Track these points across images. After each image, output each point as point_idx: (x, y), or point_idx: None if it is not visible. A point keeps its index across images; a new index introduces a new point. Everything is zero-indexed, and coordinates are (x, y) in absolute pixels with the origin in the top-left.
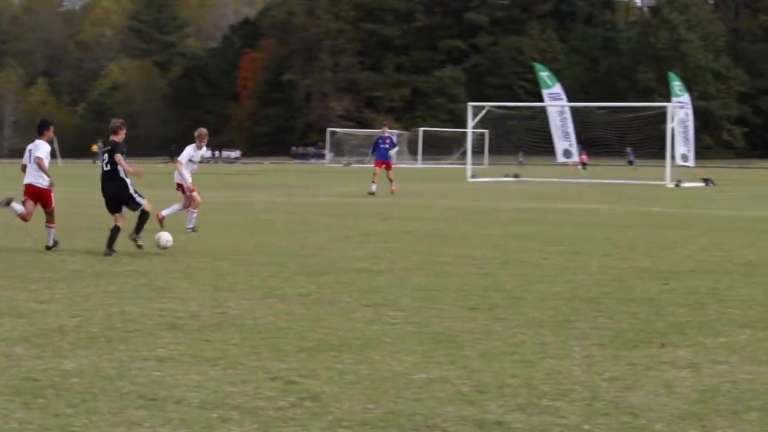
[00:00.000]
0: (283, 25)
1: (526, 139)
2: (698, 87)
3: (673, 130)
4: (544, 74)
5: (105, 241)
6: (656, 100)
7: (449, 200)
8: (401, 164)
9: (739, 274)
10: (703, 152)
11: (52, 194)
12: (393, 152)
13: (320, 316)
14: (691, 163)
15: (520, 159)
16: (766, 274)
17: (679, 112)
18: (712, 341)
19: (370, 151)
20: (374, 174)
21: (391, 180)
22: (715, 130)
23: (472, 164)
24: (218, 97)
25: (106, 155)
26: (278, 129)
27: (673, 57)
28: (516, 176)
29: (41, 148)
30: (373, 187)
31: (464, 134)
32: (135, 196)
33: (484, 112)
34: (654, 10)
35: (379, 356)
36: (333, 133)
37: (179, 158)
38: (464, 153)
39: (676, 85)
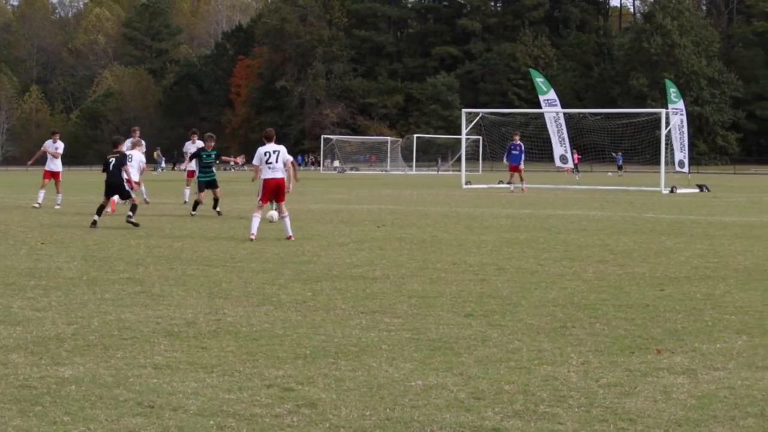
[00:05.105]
0: (276, 32)
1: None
2: (692, 92)
3: (667, 135)
4: (539, 80)
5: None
6: (649, 105)
7: (443, 207)
8: (395, 171)
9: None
10: (697, 158)
11: None
12: None
13: (316, 323)
14: (686, 169)
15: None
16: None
17: (675, 118)
18: (709, 347)
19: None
20: None
21: None
22: (709, 135)
23: (467, 171)
24: (212, 104)
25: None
26: None
27: (667, 62)
28: (510, 183)
29: None
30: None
31: (458, 141)
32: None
33: (478, 118)
34: (647, 16)
35: (375, 363)
36: (327, 140)
37: None
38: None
39: (672, 91)
